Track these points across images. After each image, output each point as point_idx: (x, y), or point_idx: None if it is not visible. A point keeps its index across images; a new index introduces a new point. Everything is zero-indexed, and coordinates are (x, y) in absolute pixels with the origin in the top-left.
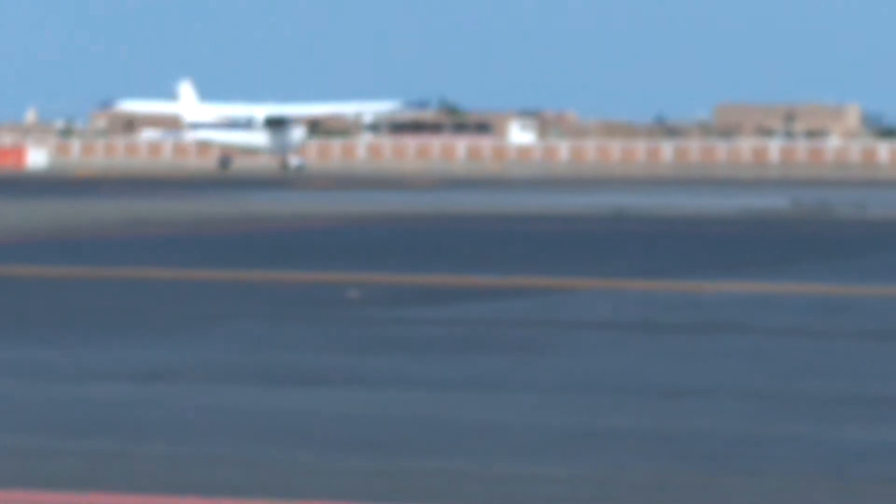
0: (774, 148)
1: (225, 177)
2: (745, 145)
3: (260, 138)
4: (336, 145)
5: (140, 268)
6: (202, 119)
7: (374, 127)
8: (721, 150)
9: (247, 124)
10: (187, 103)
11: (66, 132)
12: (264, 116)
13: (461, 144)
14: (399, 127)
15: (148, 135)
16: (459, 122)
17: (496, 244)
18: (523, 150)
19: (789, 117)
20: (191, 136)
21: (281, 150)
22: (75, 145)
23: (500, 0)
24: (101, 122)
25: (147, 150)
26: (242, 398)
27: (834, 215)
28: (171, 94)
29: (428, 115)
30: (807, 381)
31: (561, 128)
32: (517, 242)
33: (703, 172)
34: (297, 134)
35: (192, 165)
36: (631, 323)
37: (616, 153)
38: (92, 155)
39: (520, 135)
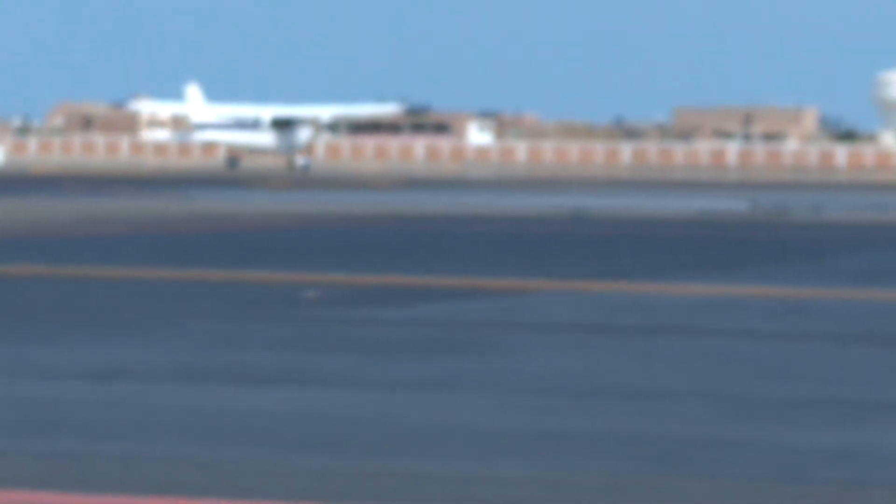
0: (732, 150)
1: (188, 176)
2: (703, 148)
3: (267, 138)
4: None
5: (98, 267)
6: (209, 120)
7: (333, 127)
8: (679, 152)
9: (254, 125)
10: (195, 104)
11: (23, 130)
12: (271, 117)
13: (420, 145)
14: (357, 127)
15: (155, 135)
16: (418, 122)
17: (454, 245)
18: (481, 151)
19: (747, 120)
20: (198, 136)
21: (287, 150)
22: (32, 143)
23: (459, 1)
24: (58, 121)
25: (154, 150)
26: (202, 398)
27: (791, 218)
28: (177, 96)
29: (386, 114)
30: (765, 384)
31: (519, 129)
32: (475, 243)
33: (661, 175)
34: (304, 134)
35: (196, 165)
36: (589, 325)
37: (574, 155)
38: (48, 153)
39: (478, 135)
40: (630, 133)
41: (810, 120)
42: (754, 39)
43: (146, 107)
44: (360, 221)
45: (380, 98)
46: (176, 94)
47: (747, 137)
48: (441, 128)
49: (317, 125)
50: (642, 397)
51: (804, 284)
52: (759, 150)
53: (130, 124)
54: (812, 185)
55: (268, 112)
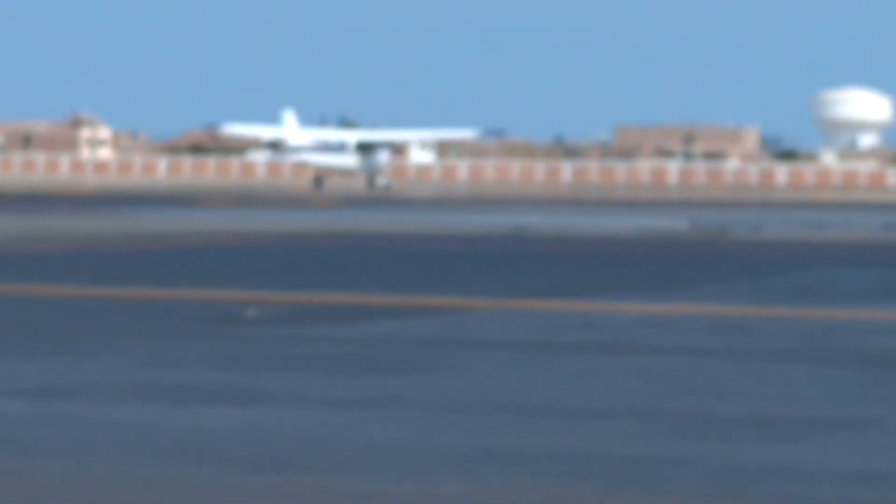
0: (673, 169)
1: (133, 194)
2: (644, 166)
3: (351, 161)
4: (235, 163)
5: (36, 284)
6: (301, 143)
7: (274, 145)
8: (620, 170)
9: (340, 148)
10: (290, 128)
11: None
12: (356, 141)
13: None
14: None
15: (253, 156)
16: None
17: (394, 263)
18: (422, 170)
19: (688, 139)
20: (292, 158)
21: (369, 170)
22: None
23: (399, 20)
24: None
25: (245, 169)
26: (140, 415)
27: (731, 237)
28: (265, 120)
29: (464, 139)
30: (703, 402)
31: (460, 147)
32: (415, 262)
33: (602, 193)
34: (383, 157)
35: (287, 185)
36: (528, 343)
37: (515, 173)
38: None
39: (419, 154)
40: (571, 152)
41: (751, 139)
42: (696, 59)
43: (239, 130)
44: (300, 240)
45: (322, 118)
46: (264, 119)
47: (688, 156)
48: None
49: (257, 142)
50: (582, 415)
51: (743, 303)
52: (700, 169)
53: (71, 143)
54: (752, 203)
55: (353, 136)
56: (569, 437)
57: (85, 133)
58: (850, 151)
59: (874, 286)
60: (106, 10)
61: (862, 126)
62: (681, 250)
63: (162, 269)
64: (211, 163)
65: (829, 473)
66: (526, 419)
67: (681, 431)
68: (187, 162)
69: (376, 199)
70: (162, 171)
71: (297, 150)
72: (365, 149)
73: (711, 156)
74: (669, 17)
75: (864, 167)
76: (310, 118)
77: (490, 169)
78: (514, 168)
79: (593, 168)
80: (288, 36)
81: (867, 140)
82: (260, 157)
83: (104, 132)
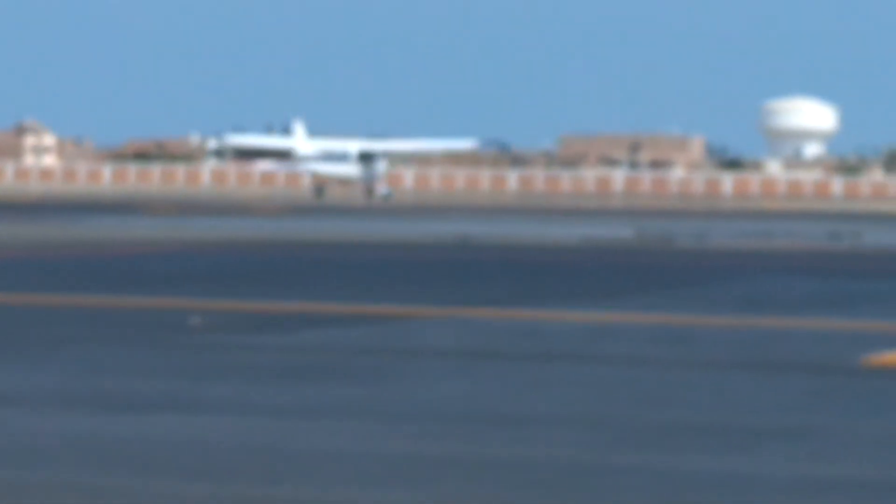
0: (618, 178)
1: (78, 201)
2: (590, 175)
3: (353, 170)
4: (180, 170)
5: None
6: (309, 152)
7: (219, 153)
8: (565, 179)
9: (342, 157)
10: (299, 138)
11: None
12: (357, 151)
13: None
14: (244, 153)
15: (263, 166)
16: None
17: (340, 271)
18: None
19: (634, 148)
20: (301, 167)
21: (368, 179)
22: None
23: (346, 27)
24: None
25: (190, 176)
26: (82, 424)
27: (676, 246)
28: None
29: (463, 149)
30: (648, 411)
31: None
32: (361, 270)
33: (548, 202)
34: (382, 166)
35: (287, 194)
36: (474, 351)
37: (461, 181)
38: None
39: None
40: (516, 160)
41: (697, 148)
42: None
43: (251, 141)
44: (246, 248)
45: (267, 127)
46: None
47: (634, 165)
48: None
49: (202, 149)
50: (526, 423)
51: (688, 311)
52: (646, 178)
53: (15, 150)
54: (698, 212)
55: (354, 146)
56: (514, 445)
57: (30, 140)
58: (796, 161)
59: (818, 295)
60: (51, 17)
61: (807, 135)
62: (626, 259)
63: (105, 276)
64: (156, 170)
65: (772, 482)
66: (471, 427)
67: (625, 440)
68: (132, 169)
69: (325, 207)
70: (107, 179)
71: (306, 159)
72: (366, 158)
73: (657, 165)
74: (615, 25)
75: (809, 176)
76: (316, 129)
77: (435, 177)
78: (460, 176)
79: (539, 177)
80: (239, 42)
81: (812, 149)
82: (269, 167)
83: (49, 139)
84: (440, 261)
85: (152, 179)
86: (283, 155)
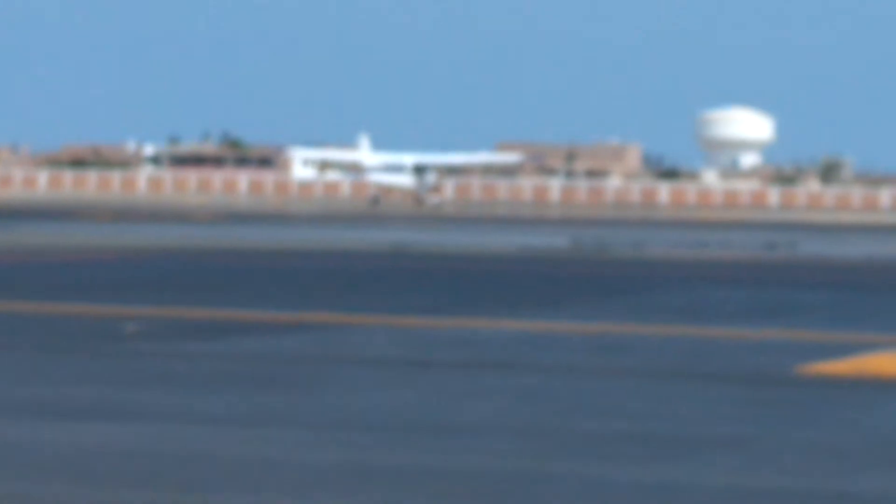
0: (555, 187)
1: (12, 207)
2: (526, 184)
3: (408, 181)
4: (116, 177)
5: None
6: (373, 164)
7: (156, 160)
8: (502, 187)
9: (399, 169)
10: (364, 151)
11: None
12: (412, 163)
13: (243, 178)
14: (180, 160)
15: (332, 176)
16: (241, 155)
17: (275, 279)
18: (305, 186)
19: (570, 157)
20: (368, 177)
21: (421, 190)
22: None
23: (282, 34)
24: None
25: (125, 183)
26: (15, 432)
27: (612, 255)
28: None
29: (209, 148)
30: (582, 420)
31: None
32: (296, 278)
33: (484, 210)
34: (432, 178)
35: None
36: (407, 360)
37: (346, 190)
38: None
39: (302, 170)
40: (453, 168)
41: (633, 157)
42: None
43: (308, 154)
44: (181, 255)
45: (204, 134)
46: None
47: (570, 174)
48: (265, 161)
49: (138, 156)
50: (460, 432)
51: (622, 320)
52: (582, 187)
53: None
54: (634, 222)
55: (409, 159)
56: (447, 454)
57: None
58: (732, 170)
59: (753, 305)
60: None
61: (743, 146)
62: (562, 268)
63: (40, 282)
64: (92, 177)
65: (706, 491)
66: (405, 436)
67: (560, 449)
68: (68, 176)
69: (261, 215)
70: (42, 185)
71: (371, 170)
72: (419, 171)
73: (593, 174)
74: (552, 34)
75: (746, 186)
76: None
77: (372, 185)
78: (346, 183)
79: (476, 185)
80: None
81: (749, 159)
82: (340, 178)
83: None
84: (376, 269)
85: (88, 186)
86: (266, 163)
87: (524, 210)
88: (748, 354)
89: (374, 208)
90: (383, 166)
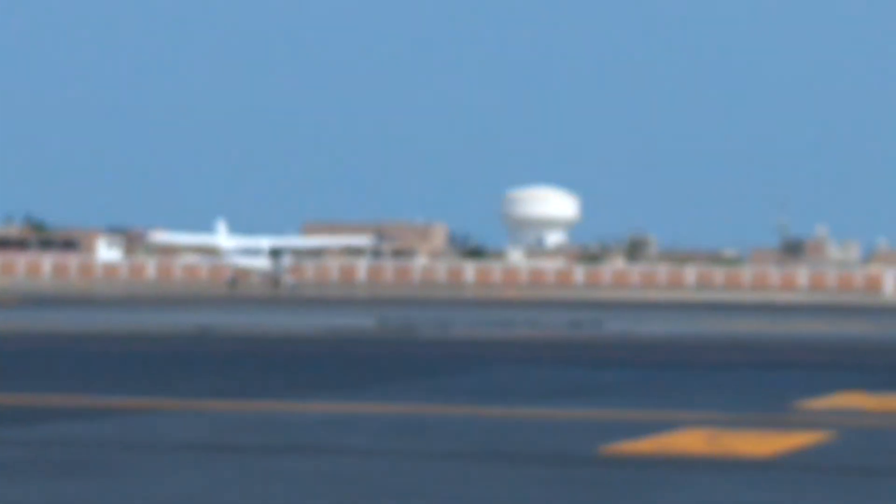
0: (362, 267)
1: None
2: (333, 264)
3: (265, 263)
4: None
5: None
6: (231, 247)
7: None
8: (309, 267)
9: (256, 252)
10: (221, 235)
11: None
12: (269, 247)
13: (47, 261)
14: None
15: (187, 259)
16: (45, 238)
17: (77, 363)
18: (110, 268)
19: (379, 237)
20: (226, 260)
21: (276, 272)
22: None
23: (78, 116)
24: None
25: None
26: None
27: (417, 335)
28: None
29: (12, 231)
30: (381, 502)
31: (148, 245)
32: (99, 362)
33: (291, 291)
34: (287, 260)
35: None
36: (212, 444)
37: (204, 272)
38: None
39: (107, 252)
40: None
41: (439, 236)
42: (383, 156)
43: (167, 238)
44: None
45: (7, 217)
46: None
47: (377, 254)
48: (69, 244)
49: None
50: None
51: (426, 401)
52: (389, 266)
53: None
54: (440, 301)
55: (266, 243)
56: None
57: None
58: (538, 249)
59: (556, 384)
60: None
61: (549, 224)
62: (367, 349)
63: None
64: None
65: None
66: None
67: None
68: None
69: (65, 298)
70: None
71: (229, 253)
72: (275, 254)
73: (400, 253)
74: (354, 112)
75: (552, 265)
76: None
77: (178, 267)
78: (204, 266)
79: (334, 267)
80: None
81: (554, 238)
82: (196, 260)
83: None
84: (179, 352)
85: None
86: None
87: (331, 290)
88: (552, 435)
89: (233, 290)
90: (241, 249)
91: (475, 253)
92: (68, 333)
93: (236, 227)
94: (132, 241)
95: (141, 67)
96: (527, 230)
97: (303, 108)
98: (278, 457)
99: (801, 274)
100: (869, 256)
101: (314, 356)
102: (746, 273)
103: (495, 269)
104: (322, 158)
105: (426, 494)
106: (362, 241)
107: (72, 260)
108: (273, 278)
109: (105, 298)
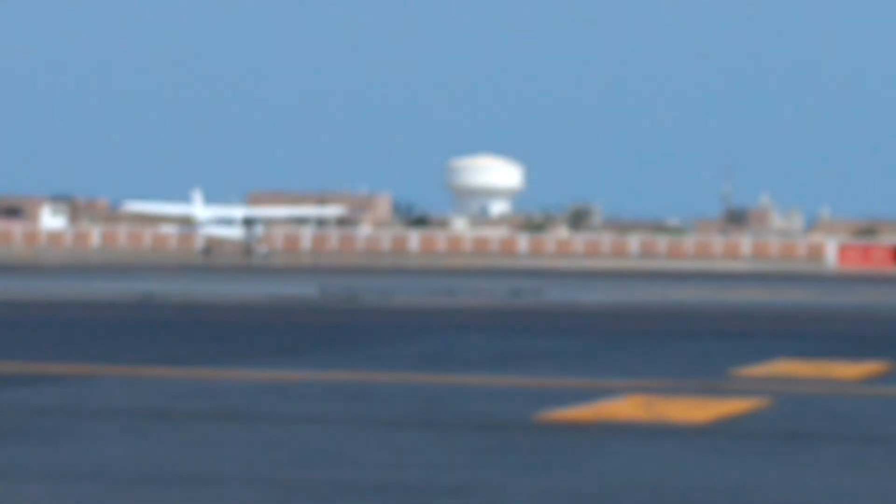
0: (306, 236)
1: None
2: (277, 233)
3: (238, 232)
4: None
5: None
6: (206, 217)
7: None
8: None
9: (230, 222)
10: (197, 205)
11: None
12: (242, 216)
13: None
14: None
15: (165, 229)
16: None
17: (20, 330)
18: (54, 235)
19: (321, 205)
20: (200, 230)
21: (249, 241)
22: None
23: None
24: None
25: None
26: None
27: (360, 303)
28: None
29: (332, 215)
30: (316, 469)
31: (93, 213)
32: (40, 329)
33: (234, 260)
34: (259, 230)
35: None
36: (149, 410)
37: (148, 240)
38: None
39: (51, 220)
40: (277, 219)
41: (383, 206)
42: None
43: (142, 207)
44: None
45: None
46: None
47: (321, 223)
48: (12, 211)
49: (266, 222)
50: (198, 483)
51: (366, 368)
52: (333, 236)
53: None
54: (384, 270)
55: (239, 212)
56: None
57: None
58: (482, 218)
59: (495, 352)
60: None
61: (493, 193)
62: (309, 317)
63: None
64: None
65: None
66: (143, 488)
67: (294, 499)
68: None
69: (9, 265)
70: None
71: (204, 223)
72: (248, 223)
73: (344, 222)
74: (298, 82)
75: (495, 233)
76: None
77: (123, 235)
78: (148, 235)
79: (307, 235)
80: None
81: (498, 207)
82: (169, 230)
83: None
84: (122, 320)
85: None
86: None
87: (275, 259)
88: (487, 401)
89: (206, 259)
90: (216, 219)
91: (419, 222)
92: (9, 301)
93: (181, 197)
94: (76, 209)
95: (90, 35)
96: (471, 199)
97: (247, 77)
98: (215, 423)
99: (745, 243)
100: (812, 225)
101: (256, 324)
102: (690, 242)
103: (439, 238)
104: (266, 128)
105: (359, 461)
106: (336, 210)
107: (16, 227)
108: (245, 247)
109: (49, 266)
